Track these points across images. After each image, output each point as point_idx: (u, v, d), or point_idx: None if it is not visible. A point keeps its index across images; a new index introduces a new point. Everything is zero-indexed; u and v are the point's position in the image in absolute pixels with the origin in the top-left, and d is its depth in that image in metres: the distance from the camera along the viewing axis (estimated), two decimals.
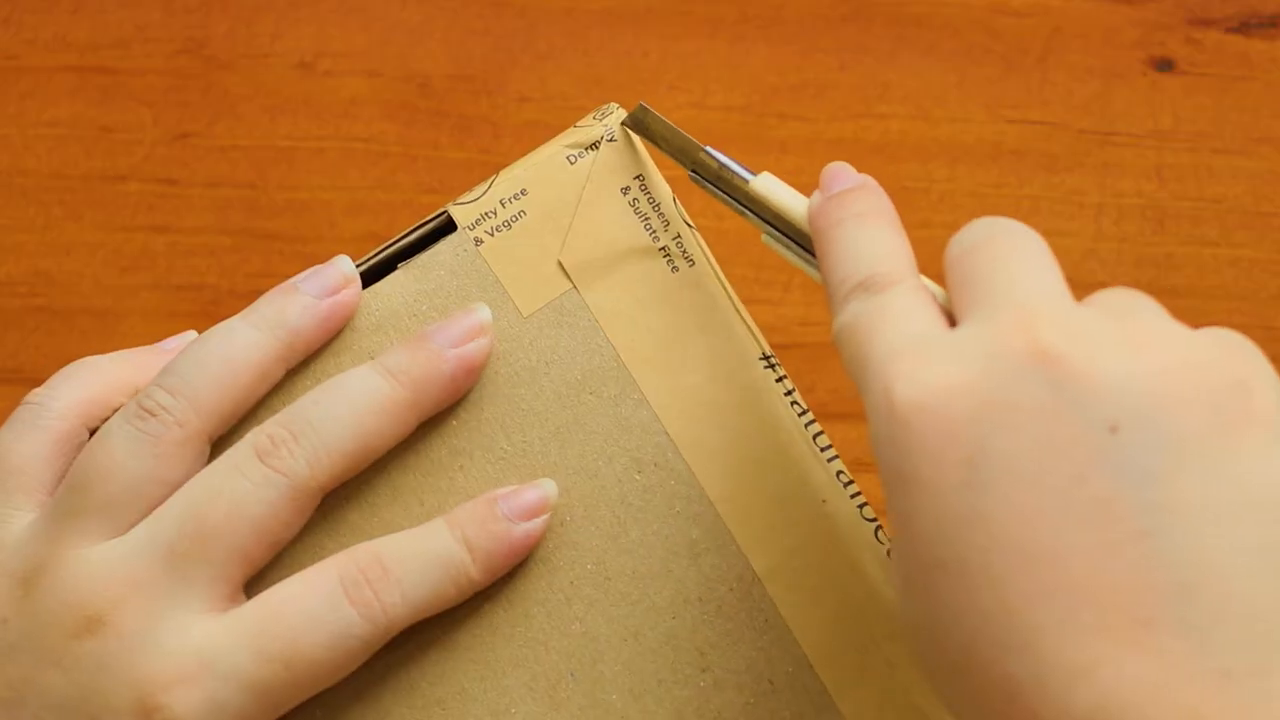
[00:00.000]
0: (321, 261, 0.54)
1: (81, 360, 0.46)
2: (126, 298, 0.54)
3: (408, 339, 0.46)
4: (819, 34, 0.55)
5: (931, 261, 0.54)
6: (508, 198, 0.46)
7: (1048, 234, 0.55)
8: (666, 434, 0.46)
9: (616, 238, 0.47)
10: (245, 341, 0.45)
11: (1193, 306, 0.54)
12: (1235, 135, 0.55)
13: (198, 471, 0.44)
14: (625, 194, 0.47)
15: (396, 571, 0.43)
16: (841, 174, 0.43)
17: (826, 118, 0.55)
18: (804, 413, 0.46)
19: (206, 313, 0.54)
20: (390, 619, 0.43)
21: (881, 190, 0.42)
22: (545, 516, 0.46)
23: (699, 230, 0.46)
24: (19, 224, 0.54)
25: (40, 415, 0.45)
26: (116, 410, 0.45)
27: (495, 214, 0.46)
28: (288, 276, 0.54)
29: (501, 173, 0.46)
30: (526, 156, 0.46)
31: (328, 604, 0.43)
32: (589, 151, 0.47)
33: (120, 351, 0.46)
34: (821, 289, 0.55)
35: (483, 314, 0.46)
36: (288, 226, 0.54)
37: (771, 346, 0.55)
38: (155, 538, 0.43)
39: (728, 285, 0.47)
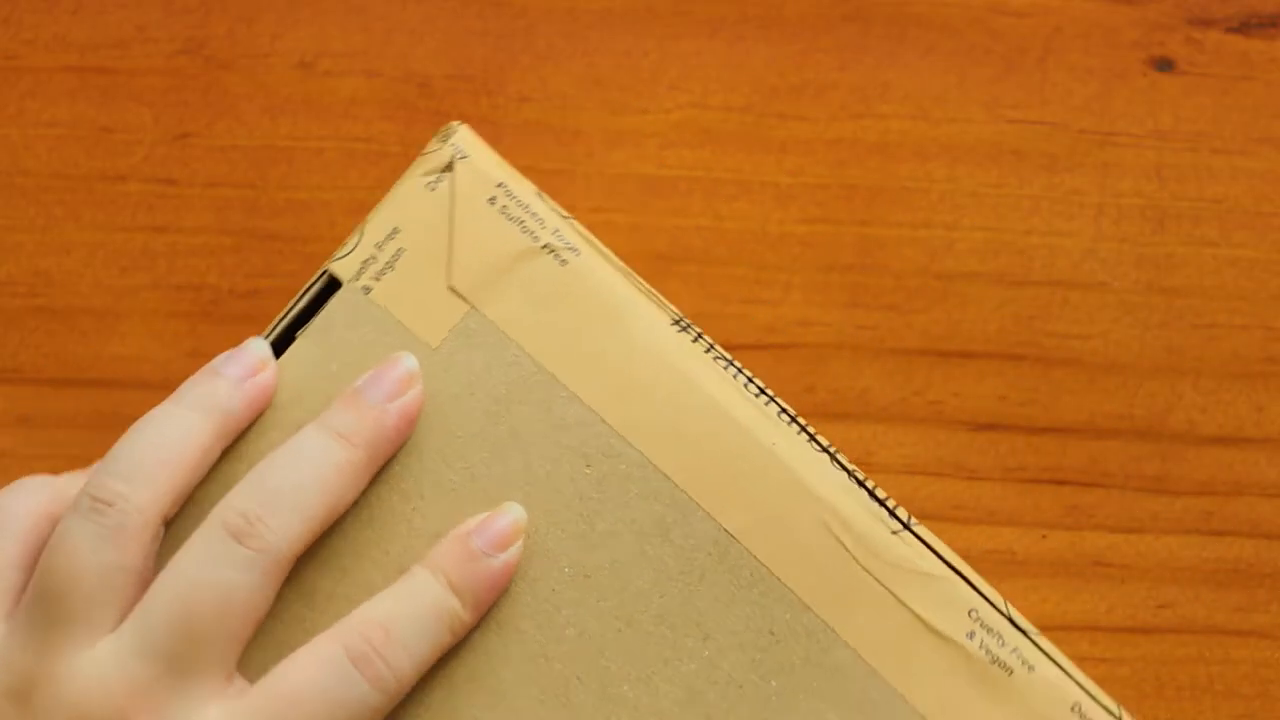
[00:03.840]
0: (320, 263, 0.54)
1: (31, 477, 0.46)
2: (126, 298, 0.54)
3: (345, 398, 0.46)
4: (819, 34, 0.55)
5: (931, 260, 0.54)
6: (382, 240, 0.47)
7: (1048, 234, 0.55)
8: (604, 422, 0.47)
9: (499, 248, 0.47)
10: (184, 423, 0.45)
11: (1193, 306, 0.54)
12: (1235, 135, 0.55)
13: (154, 552, 0.44)
14: (493, 204, 0.47)
15: (398, 634, 0.44)
16: None
17: (827, 118, 0.55)
18: (729, 365, 0.47)
19: (206, 313, 0.54)
20: (401, 684, 0.43)
21: None
22: (519, 542, 0.46)
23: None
24: (19, 224, 0.54)
25: (4, 521, 0.44)
26: None
27: (375, 259, 0.47)
28: (288, 276, 0.54)
29: (369, 218, 0.47)
30: (387, 195, 0.47)
31: (342, 682, 0.43)
32: (445, 174, 0.47)
33: (67, 474, 0.46)
34: (821, 287, 0.55)
35: (409, 363, 0.46)
36: (288, 226, 0.54)
37: (771, 346, 0.56)
38: (148, 642, 0.42)
39: (619, 261, 0.47)
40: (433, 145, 0.47)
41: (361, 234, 0.47)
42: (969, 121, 0.55)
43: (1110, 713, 0.47)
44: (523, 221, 0.47)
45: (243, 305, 0.54)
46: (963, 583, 0.47)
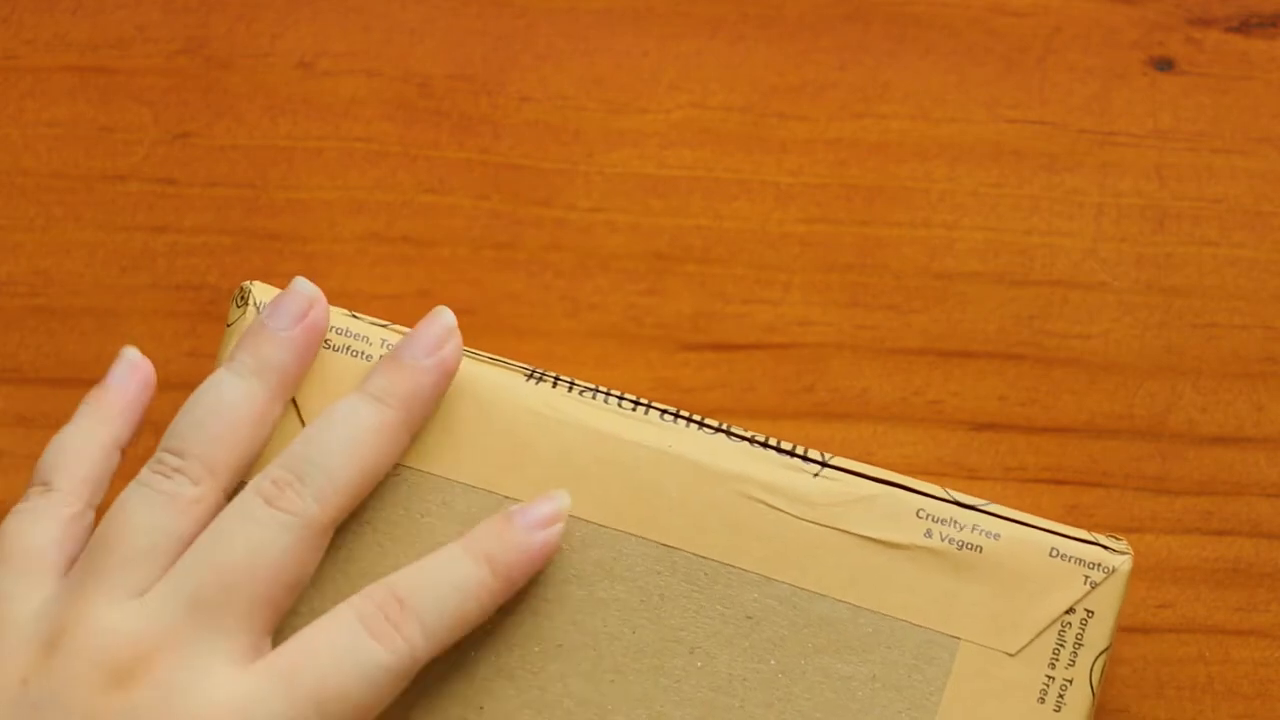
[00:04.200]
0: (321, 263, 0.54)
1: (61, 435, 0.47)
2: (126, 298, 0.54)
3: (383, 361, 0.47)
4: (819, 34, 0.55)
5: (932, 260, 0.54)
6: None
7: (1048, 234, 0.55)
8: (505, 497, 0.47)
9: (339, 380, 0.48)
10: (237, 393, 0.46)
11: (1192, 306, 0.54)
12: (1235, 135, 0.55)
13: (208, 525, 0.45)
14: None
15: (412, 603, 0.44)
16: None
17: (826, 118, 0.55)
18: (595, 393, 0.47)
19: (206, 313, 0.54)
20: (414, 648, 0.44)
21: None
22: (560, 525, 0.46)
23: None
24: (19, 224, 0.54)
25: (50, 502, 0.45)
26: (110, 475, 0.46)
27: None
28: (288, 276, 0.54)
29: None
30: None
31: (351, 641, 0.43)
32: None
33: (84, 408, 0.47)
34: (821, 287, 0.55)
35: (446, 317, 0.47)
36: (288, 226, 0.54)
37: (771, 346, 0.56)
38: (178, 591, 0.43)
39: None
40: (234, 313, 0.48)
41: None
42: (969, 121, 0.55)
43: (1082, 540, 0.47)
44: (349, 346, 0.48)
45: None
46: (899, 490, 0.47)
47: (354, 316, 0.48)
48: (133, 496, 0.44)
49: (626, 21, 0.55)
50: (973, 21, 0.55)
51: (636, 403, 0.48)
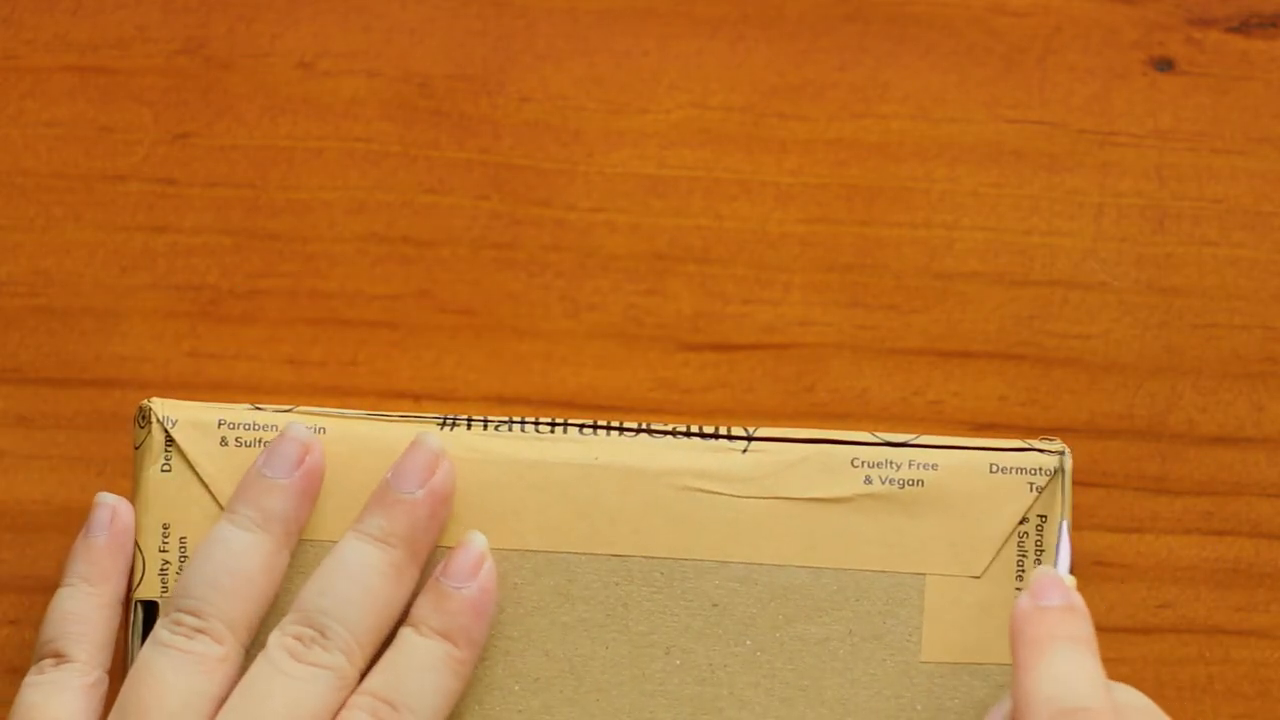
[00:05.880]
0: (321, 263, 0.54)
1: (61, 599, 0.47)
2: (126, 298, 0.54)
3: (375, 497, 0.47)
4: (819, 34, 0.55)
5: (932, 260, 0.54)
6: (161, 543, 0.47)
7: (1048, 234, 0.55)
8: (447, 547, 0.48)
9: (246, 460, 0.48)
10: (245, 547, 0.46)
11: (1192, 306, 0.54)
12: (1235, 135, 0.55)
13: (236, 680, 0.45)
14: (225, 445, 0.48)
15: (401, 701, 0.45)
16: (1053, 587, 0.44)
17: (826, 118, 0.55)
18: (510, 424, 0.48)
19: (206, 313, 0.54)
20: None
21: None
22: (488, 563, 0.46)
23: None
24: (19, 224, 0.54)
25: (68, 673, 0.46)
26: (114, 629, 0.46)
27: (168, 562, 0.48)
28: (288, 276, 0.54)
29: (138, 544, 0.47)
30: (137, 505, 0.47)
31: None
32: (169, 450, 0.48)
33: (76, 566, 0.47)
34: (821, 287, 0.55)
35: (431, 441, 0.47)
36: (288, 226, 0.54)
37: (771, 346, 0.56)
38: None
39: (358, 411, 0.48)
40: (139, 436, 0.48)
41: (141, 552, 0.47)
42: (969, 121, 0.55)
43: (1017, 450, 0.48)
44: (259, 439, 0.48)
45: (243, 305, 0.54)
46: (829, 445, 0.48)
47: (257, 408, 0.48)
48: (158, 659, 0.45)
49: (626, 21, 0.55)
50: (973, 21, 0.55)
51: (553, 424, 0.48)
